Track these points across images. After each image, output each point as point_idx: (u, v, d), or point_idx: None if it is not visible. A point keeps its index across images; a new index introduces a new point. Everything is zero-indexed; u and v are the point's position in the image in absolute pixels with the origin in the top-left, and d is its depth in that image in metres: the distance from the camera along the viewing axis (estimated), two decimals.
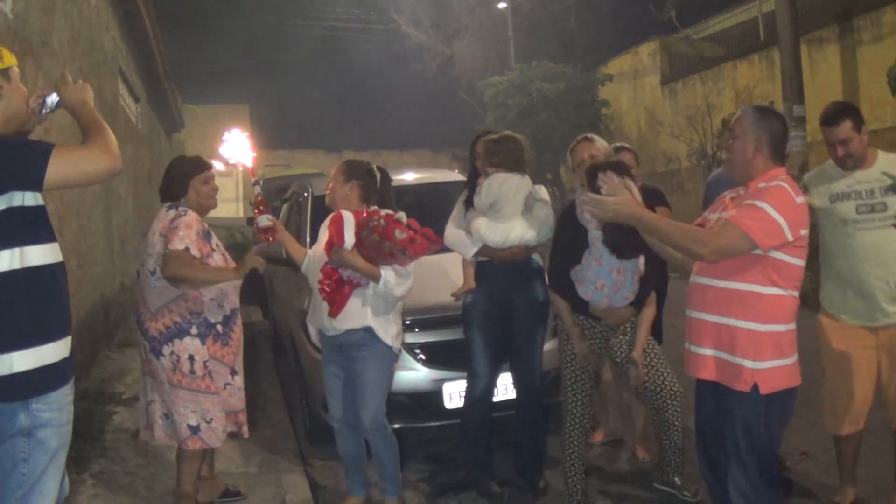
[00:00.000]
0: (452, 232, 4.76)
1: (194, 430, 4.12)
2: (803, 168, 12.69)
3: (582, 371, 4.40)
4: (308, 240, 6.10)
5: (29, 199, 2.58)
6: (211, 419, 4.15)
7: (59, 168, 2.53)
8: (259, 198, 4.39)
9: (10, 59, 2.73)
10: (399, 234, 4.02)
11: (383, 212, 4.19)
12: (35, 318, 2.61)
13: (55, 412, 2.66)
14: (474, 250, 4.65)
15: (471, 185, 4.89)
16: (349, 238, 4.10)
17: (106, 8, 8.69)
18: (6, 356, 2.54)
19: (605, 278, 4.08)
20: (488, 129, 5.30)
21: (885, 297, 4.04)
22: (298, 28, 32.45)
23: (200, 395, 4.12)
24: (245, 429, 4.49)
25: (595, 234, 4.05)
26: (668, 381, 4.36)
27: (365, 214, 4.18)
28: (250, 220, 15.03)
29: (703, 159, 16.51)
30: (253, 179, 4.55)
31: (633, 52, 22.69)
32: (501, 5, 27.09)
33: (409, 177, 7.22)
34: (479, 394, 4.76)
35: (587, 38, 25.99)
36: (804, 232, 3.17)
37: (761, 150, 3.25)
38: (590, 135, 4.55)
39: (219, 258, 4.25)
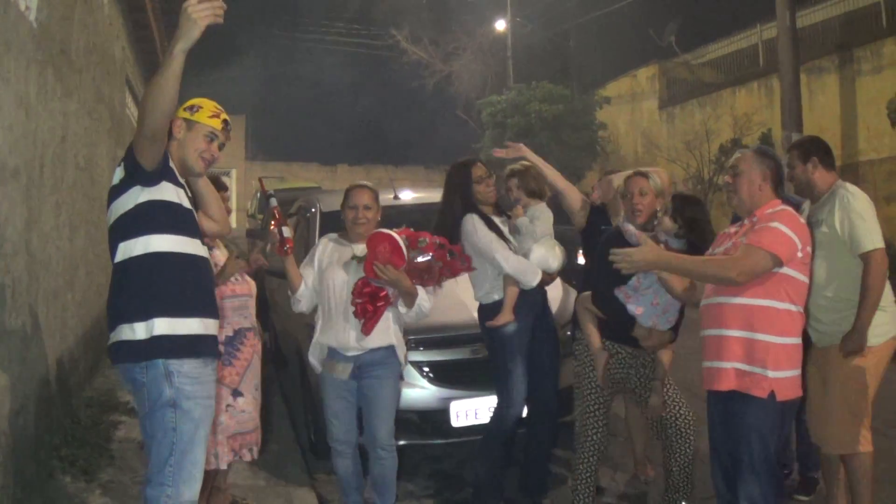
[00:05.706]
0: (516, 259, 4.62)
1: None
2: None
3: (598, 393, 4.44)
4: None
5: (165, 194, 3.14)
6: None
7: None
8: (277, 210, 4.41)
9: (201, 117, 3.36)
10: (450, 255, 4.14)
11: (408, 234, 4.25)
12: (172, 294, 3.11)
13: (196, 386, 3.13)
14: (539, 278, 4.65)
15: (481, 213, 4.72)
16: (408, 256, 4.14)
17: (118, 18, 8.77)
18: (150, 321, 3.06)
19: (662, 297, 4.15)
20: (472, 158, 5.11)
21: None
22: (297, 41, 32.66)
23: None
24: (255, 450, 4.49)
25: None
26: (683, 412, 4.39)
27: (405, 235, 4.19)
28: (249, 233, 15.06)
29: (700, 184, 16.66)
30: (268, 193, 4.58)
31: (632, 76, 22.92)
32: (501, 26, 27.27)
33: (407, 196, 7.06)
34: (513, 421, 4.71)
35: (586, 61, 26.25)
36: (809, 249, 3.46)
37: (767, 182, 3.55)
38: (644, 170, 4.51)
39: None
